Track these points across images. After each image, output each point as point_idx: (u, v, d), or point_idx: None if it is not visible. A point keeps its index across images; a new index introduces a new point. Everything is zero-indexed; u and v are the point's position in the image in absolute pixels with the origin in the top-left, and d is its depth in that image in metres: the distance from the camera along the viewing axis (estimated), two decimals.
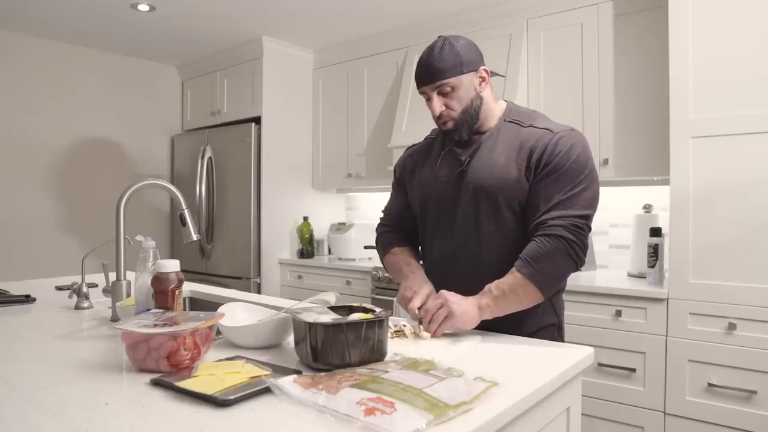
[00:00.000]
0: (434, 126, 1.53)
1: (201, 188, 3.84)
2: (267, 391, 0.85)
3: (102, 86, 3.84)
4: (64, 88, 3.65)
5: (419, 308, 1.28)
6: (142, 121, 4.06)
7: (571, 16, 2.68)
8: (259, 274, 3.58)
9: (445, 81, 1.30)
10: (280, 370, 0.95)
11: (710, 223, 2.03)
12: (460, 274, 1.38)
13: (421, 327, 1.26)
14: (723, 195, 2.01)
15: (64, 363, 1.03)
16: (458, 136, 1.37)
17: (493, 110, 1.40)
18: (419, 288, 1.34)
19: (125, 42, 3.65)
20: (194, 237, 1.59)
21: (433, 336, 1.24)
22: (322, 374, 0.90)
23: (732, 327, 1.97)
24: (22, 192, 3.47)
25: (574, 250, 1.23)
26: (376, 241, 1.61)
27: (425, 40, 3.24)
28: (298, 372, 0.93)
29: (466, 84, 1.32)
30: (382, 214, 1.63)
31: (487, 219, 1.34)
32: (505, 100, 1.45)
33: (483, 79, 1.35)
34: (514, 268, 1.25)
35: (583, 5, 2.64)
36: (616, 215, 2.81)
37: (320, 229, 3.84)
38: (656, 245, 2.31)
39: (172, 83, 4.25)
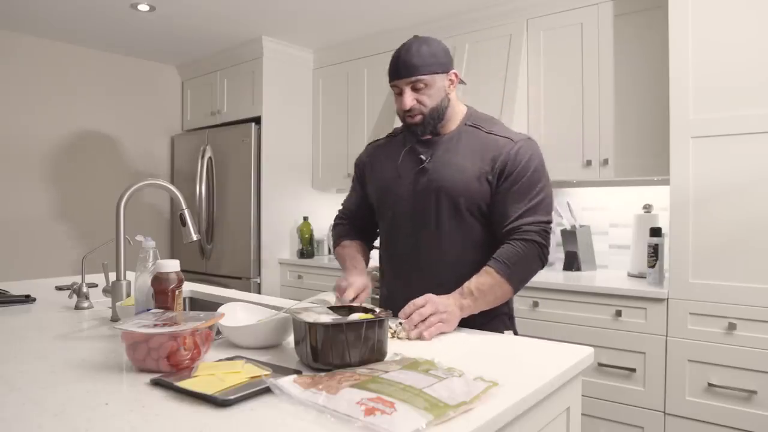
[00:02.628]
0: None
1: (201, 188, 3.84)
2: (267, 391, 0.85)
3: (102, 86, 3.84)
4: (64, 88, 3.65)
5: (405, 318, 1.26)
6: (142, 121, 4.06)
7: (571, 16, 2.68)
8: (259, 274, 3.58)
9: (421, 77, 1.36)
10: (280, 370, 0.95)
11: (710, 223, 2.03)
12: (419, 269, 1.45)
13: (402, 328, 1.24)
14: (723, 195, 2.01)
15: (64, 363, 1.03)
16: (422, 131, 1.43)
17: (457, 113, 1.47)
18: (354, 281, 1.39)
19: (125, 42, 3.65)
20: (194, 237, 1.59)
21: (419, 338, 1.23)
22: (322, 374, 0.90)
23: (732, 327, 1.97)
24: (22, 192, 3.47)
25: (544, 253, 1.36)
26: (332, 234, 1.68)
27: None
28: (298, 372, 0.93)
29: (438, 83, 1.39)
30: (341, 207, 1.69)
31: (447, 217, 1.40)
32: (466, 105, 1.52)
33: (452, 82, 1.42)
34: (491, 269, 1.32)
35: (583, 5, 2.64)
36: (616, 215, 2.81)
37: (320, 229, 3.84)
38: (656, 245, 2.31)
39: (172, 83, 4.25)
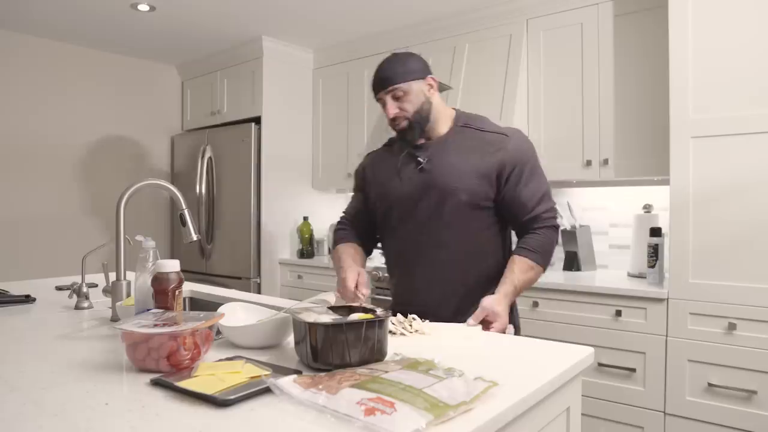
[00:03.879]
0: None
1: (201, 188, 3.84)
2: (267, 391, 0.85)
3: (102, 86, 3.83)
4: (65, 88, 3.65)
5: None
6: (142, 121, 4.06)
7: (571, 16, 2.68)
8: (259, 274, 3.58)
9: (397, 86, 1.47)
10: (280, 370, 0.95)
11: (710, 223, 2.03)
12: (425, 265, 1.53)
13: (411, 321, 1.31)
14: (723, 195, 2.01)
15: (64, 363, 1.03)
16: (411, 136, 1.52)
17: (443, 115, 1.55)
18: (349, 272, 1.47)
19: (125, 42, 3.65)
20: (194, 237, 1.59)
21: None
22: (322, 374, 0.90)
23: (732, 327, 1.97)
24: (22, 192, 3.47)
25: (558, 233, 1.53)
26: (332, 239, 1.76)
27: (425, 40, 3.25)
28: (298, 372, 0.93)
29: (415, 89, 1.48)
30: (342, 214, 1.77)
31: (448, 214, 1.48)
32: (454, 108, 1.61)
33: (431, 86, 1.52)
34: (532, 262, 1.45)
35: (583, 5, 2.64)
36: (616, 215, 2.81)
37: (320, 229, 3.84)
38: (656, 245, 2.31)
39: (172, 83, 4.25)
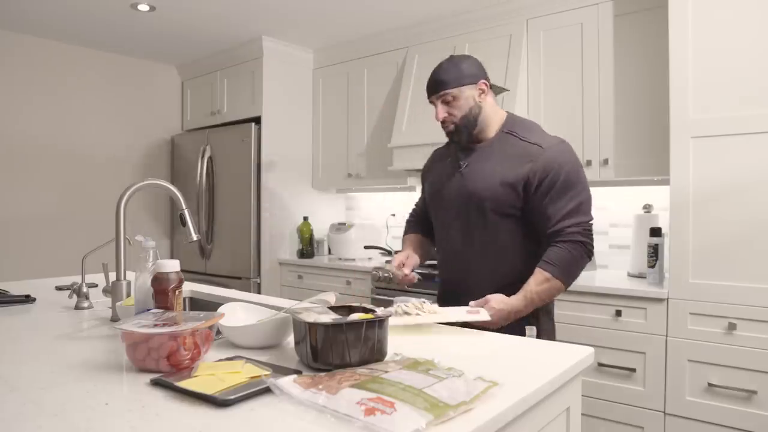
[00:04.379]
0: (434, 127, 1.76)
1: (201, 188, 3.84)
2: (267, 391, 0.85)
3: (102, 86, 3.84)
4: (64, 88, 3.65)
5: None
6: (142, 121, 4.06)
7: (571, 16, 2.68)
8: (259, 274, 3.58)
9: (448, 91, 1.51)
10: (280, 370, 0.95)
11: (710, 223, 2.03)
12: (461, 263, 1.60)
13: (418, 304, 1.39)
14: (723, 195, 2.01)
15: (64, 363, 1.03)
16: (458, 138, 1.57)
17: (493, 119, 1.57)
18: (400, 254, 1.68)
19: (125, 42, 3.65)
20: (194, 237, 1.59)
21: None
22: (322, 374, 0.90)
23: (732, 327, 1.97)
24: (22, 192, 3.47)
25: (589, 249, 1.49)
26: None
27: (425, 40, 3.25)
28: (298, 372, 0.93)
29: (466, 94, 1.51)
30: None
31: (476, 221, 1.54)
32: (507, 111, 1.62)
33: (482, 91, 1.54)
34: (548, 274, 1.44)
35: (583, 5, 2.64)
36: (616, 215, 2.81)
37: (320, 229, 3.84)
38: (656, 245, 2.31)
39: (172, 83, 4.25)
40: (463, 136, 1.55)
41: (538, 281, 1.45)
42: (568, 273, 1.45)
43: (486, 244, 1.54)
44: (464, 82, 1.50)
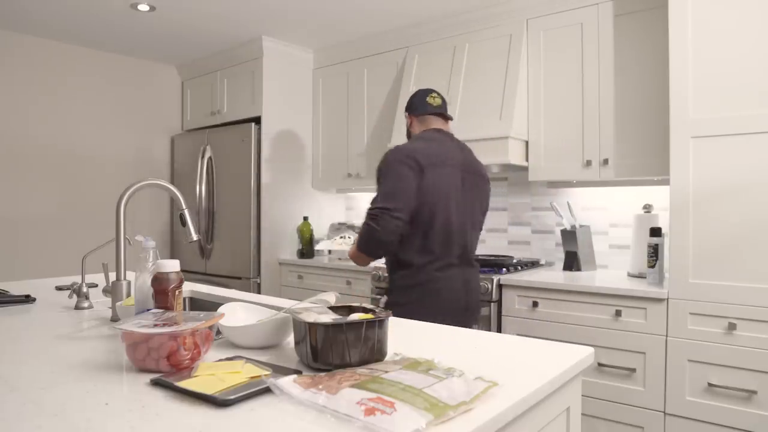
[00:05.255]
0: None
1: (201, 188, 3.84)
2: (267, 391, 0.85)
3: (102, 86, 3.84)
4: (64, 88, 3.65)
5: None
6: (142, 121, 4.06)
7: (571, 16, 2.68)
8: (259, 274, 3.58)
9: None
10: (280, 370, 0.95)
11: (710, 223, 2.03)
12: None
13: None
14: (723, 195, 2.01)
15: (64, 363, 1.03)
16: None
17: None
18: None
19: (125, 42, 3.65)
20: (194, 237, 1.59)
21: None
22: (322, 374, 0.90)
23: (732, 327, 1.97)
24: (22, 192, 3.47)
25: (373, 229, 1.84)
26: None
27: (425, 40, 3.25)
28: (298, 372, 0.93)
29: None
30: None
31: None
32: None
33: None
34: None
35: (583, 5, 2.64)
36: (616, 215, 2.81)
37: (320, 229, 3.84)
38: (656, 245, 2.31)
39: (172, 83, 4.25)
40: None
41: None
42: (361, 244, 1.88)
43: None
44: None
